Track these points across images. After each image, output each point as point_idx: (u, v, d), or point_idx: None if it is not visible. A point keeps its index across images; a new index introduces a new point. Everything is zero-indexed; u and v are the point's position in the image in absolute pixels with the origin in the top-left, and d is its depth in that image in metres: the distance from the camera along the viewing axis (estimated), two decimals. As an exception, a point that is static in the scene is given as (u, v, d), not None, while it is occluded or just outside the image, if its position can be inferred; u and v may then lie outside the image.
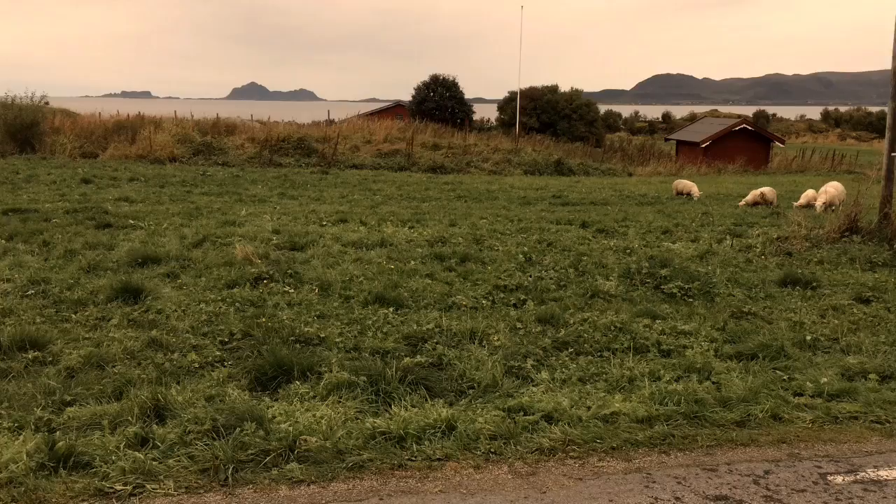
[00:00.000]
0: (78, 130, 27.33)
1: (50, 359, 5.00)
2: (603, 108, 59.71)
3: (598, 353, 5.58)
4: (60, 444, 3.52)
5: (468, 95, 49.50)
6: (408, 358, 5.16)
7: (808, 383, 4.92)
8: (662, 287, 7.49)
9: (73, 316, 6.01)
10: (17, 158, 22.38)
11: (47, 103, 28.59)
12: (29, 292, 6.60)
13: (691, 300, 7.14)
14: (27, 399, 4.29)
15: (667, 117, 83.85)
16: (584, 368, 5.22)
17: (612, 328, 6.06)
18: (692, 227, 12.12)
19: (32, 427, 3.89)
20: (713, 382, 4.95)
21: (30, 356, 4.96)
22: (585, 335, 5.89)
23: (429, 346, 5.52)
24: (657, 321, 6.34)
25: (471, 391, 4.74)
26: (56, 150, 24.78)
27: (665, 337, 5.92)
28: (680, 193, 18.66)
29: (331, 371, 4.81)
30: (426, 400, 4.52)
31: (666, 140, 44.97)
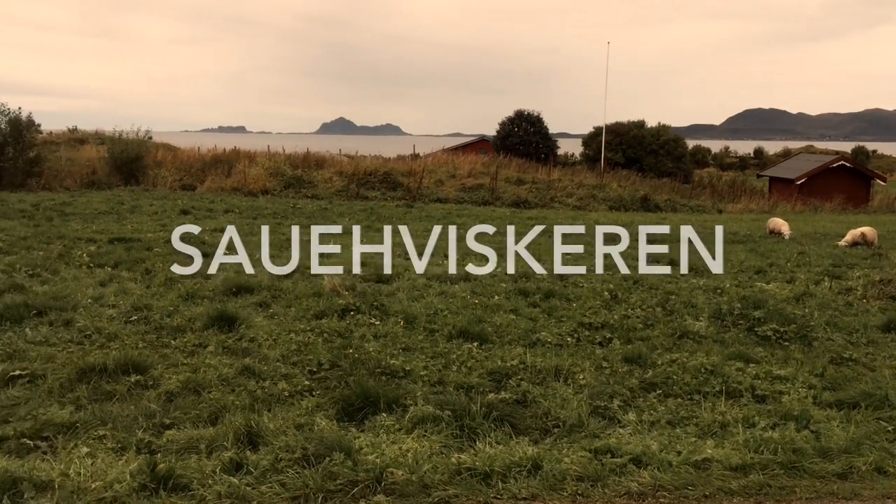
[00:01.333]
0: (178, 164, 28.72)
1: (151, 382, 5.24)
2: (691, 143, 58.61)
3: (688, 396, 5.43)
4: (161, 466, 3.68)
5: (552, 130, 49.50)
6: (492, 394, 5.16)
7: (916, 436, 4.66)
8: (756, 329, 7.25)
9: (173, 342, 6.28)
10: (122, 190, 23.66)
11: (151, 138, 30.22)
12: (132, 318, 6.94)
13: (787, 344, 6.88)
14: (130, 421, 4.50)
15: (759, 153, 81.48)
16: (674, 411, 5.09)
17: (703, 370, 5.90)
18: (787, 267, 11.70)
19: (134, 448, 4.08)
20: (812, 431, 4.74)
21: (132, 379, 5.21)
22: (674, 377, 5.75)
23: (513, 383, 5.50)
24: (750, 365, 6.13)
25: (556, 430, 4.69)
26: (158, 182, 26.08)
27: (759, 381, 5.72)
28: (773, 232, 18.03)
29: (416, 404, 4.86)
30: (511, 437, 4.51)
31: (758, 176, 43.67)
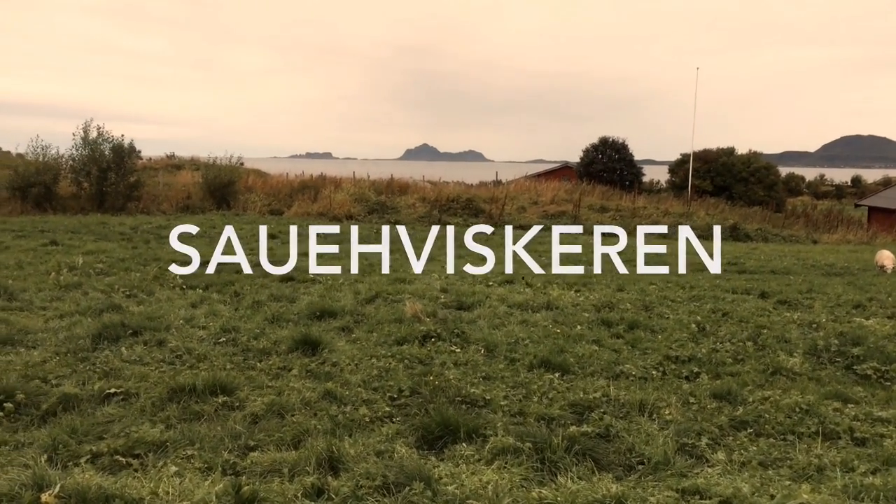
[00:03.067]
0: (267, 189, 29.66)
1: (237, 404, 5.37)
2: (784, 171, 56.66)
3: (782, 437, 5.17)
4: (245, 488, 3.75)
5: (637, 157, 48.80)
6: (574, 426, 5.05)
7: None
8: (855, 367, 6.88)
9: (258, 364, 6.43)
10: (214, 214, 24.58)
11: (242, 164, 31.35)
12: (221, 340, 7.15)
13: (889, 384, 6.48)
14: (216, 441, 4.62)
15: (856, 181, 77.97)
16: (766, 452, 4.85)
17: (797, 409, 5.62)
18: (889, 301, 11.08)
19: (220, 469, 4.17)
20: (918, 479, 4.43)
21: (220, 400, 5.36)
22: (767, 415, 5.50)
23: (596, 416, 5.37)
24: (849, 405, 5.81)
25: (640, 467, 4.55)
26: (248, 206, 26.99)
27: (859, 423, 5.40)
28: (882, 267, 16.96)
29: (496, 434, 4.81)
30: (593, 472, 4.39)
31: (856, 206, 41.78)
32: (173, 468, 4.13)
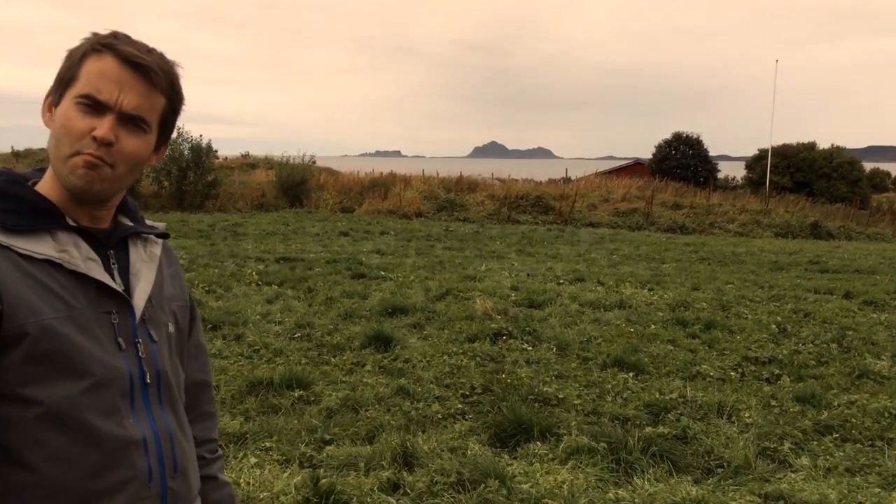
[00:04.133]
0: (339, 187, 30.11)
1: (313, 398, 5.47)
2: (868, 166, 54.34)
3: (869, 442, 4.96)
4: (323, 481, 3.81)
5: (712, 153, 47.59)
6: (649, 427, 4.96)
7: None
8: (949, 372, 6.54)
9: (333, 359, 6.54)
10: (288, 212, 25.11)
11: (314, 162, 31.90)
12: (296, 335, 7.30)
13: None
14: (293, 434, 4.71)
15: (948, 176, 74.06)
16: (853, 458, 4.67)
17: (886, 415, 5.38)
18: (985, 303, 10.49)
19: (297, 462, 4.26)
20: None
21: (296, 394, 5.46)
22: (853, 420, 5.28)
23: (672, 417, 5.26)
24: (944, 411, 5.52)
25: (719, 470, 4.43)
26: (319, 204, 27.47)
27: (953, 430, 5.14)
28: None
29: (570, 434, 4.76)
30: (671, 475, 4.30)
31: (946, 202, 39.70)
32: (253, 459, 4.23)
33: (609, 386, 5.95)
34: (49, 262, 1.26)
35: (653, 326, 8.22)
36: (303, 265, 12.19)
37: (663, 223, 26.43)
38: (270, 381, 5.62)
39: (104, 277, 1.32)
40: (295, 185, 27.71)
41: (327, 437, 4.70)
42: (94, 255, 1.33)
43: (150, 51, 1.33)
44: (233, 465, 4.17)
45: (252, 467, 4.11)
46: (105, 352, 1.28)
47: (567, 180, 37.51)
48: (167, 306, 1.45)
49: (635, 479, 4.19)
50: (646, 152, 48.71)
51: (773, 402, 5.67)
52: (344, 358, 6.57)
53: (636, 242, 19.81)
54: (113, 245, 1.39)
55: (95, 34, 1.32)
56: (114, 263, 1.37)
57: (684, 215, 27.66)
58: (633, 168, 48.24)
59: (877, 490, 4.18)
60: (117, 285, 1.34)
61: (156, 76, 1.31)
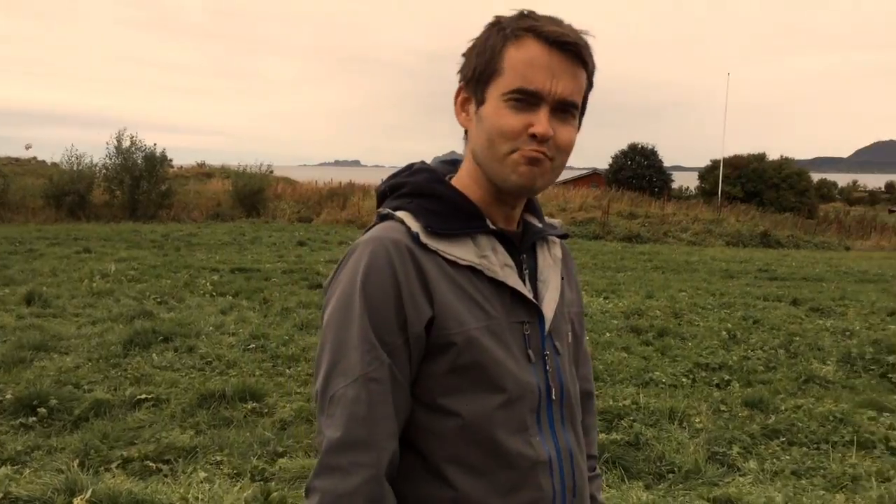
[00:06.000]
0: (296, 197, 29.89)
1: (266, 410, 5.40)
2: (816, 177, 55.84)
3: (815, 445, 5.09)
4: (274, 494, 3.77)
5: (667, 163, 48.41)
6: (603, 434, 5.01)
7: None
8: (890, 375, 6.75)
9: (287, 371, 6.47)
10: (244, 221, 24.85)
11: (272, 172, 31.63)
12: (250, 346, 7.21)
13: (927, 393, 6.34)
14: (245, 447, 4.65)
15: (891, 187, 76.64)
16: (799, 461, 4.78)
17: (831, 418, 5.51)
18: (925, 309, 10.85)
19: (249, 475, 4.20)
20: (958, 490, 4.33)
21: (249, 407, 5.39)
22: (799, 424, 5.40)
23: (625, 424, 5.32)
24: (884, 414, 5.70)
25: (670, 475, 4.50)
26: (277, 214, 27.23)
27: (895, 432, 5.29)
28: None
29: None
30: (623, 480, 4.35)
31: (890, 212, 41.09)
32: (203, 474, 4.16)
33: (563, 394, 5.99)
34: (471, 269, 1.22)
35: (608, 334, 8.31)
36: (259, 276, 12.06)
37: (620, 232, 26.79)
38: (223, 394, 5.54)
39: (518, 285, 1.25)
40: (252, 194, 27.43)
41: (280, 449, 4.65)
42: (510, 260, 1.27)
43: (567, 24, 1.21)
44: (181, 479, 4.10)
45: (201, 482, 4.04)
46: (517, 365, 1.23)
47: (525, 190, 37.70)
48: (567, 313, 1.38)
49: (588, 485, 4.22)
50: (603, 162, 49.34)
51: (722, 408, 5.78)
52: (299, 369, 6.51)
53: (593, 251, 20.04)
54: (525, 249, 1.32)
55: (502, 18, 1.23)
56: (525, 269, 1.31)
57: (640, 224, 28.08)
58: (591, 178, 48.82)
59: (821, 492, 4.28)
60: (530, 293, 1.28)
61: (585, 52, 1.20)
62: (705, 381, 6.59)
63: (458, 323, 1.18)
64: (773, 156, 45.03)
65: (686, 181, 55.00)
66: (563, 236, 1.43)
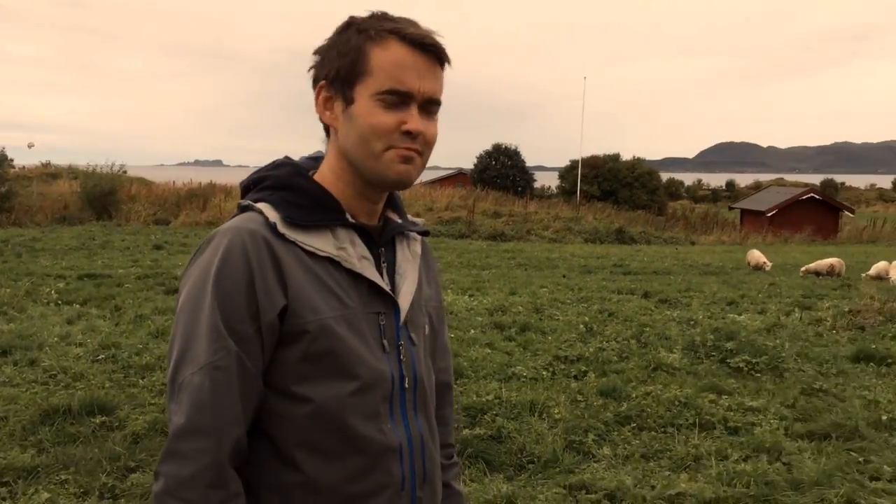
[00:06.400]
0: (152, 198, 28.53)
1: (117, 424, 5.12)
2: (665, 176, 59.40)
3: (662, 429, 5.41)
4: (124, 510, 3.59)
5: (529, 163, 49.98)
6: (467, 430, 5.11)
7: (885, 467, 4.66)
8: (728, 361, 7.28)
9: (141, 381, 6.16)
10: (94, 225, 23.41)
11: (125, 172, 30.01)
12: (99, 357, 6.80)
13: (759, 375, 6.90)
14: (93, 464, 4.38)
15: (731, 186, 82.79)
16: (648, 445, 5.07)
17: (677, 403, 5.89)
18: (759, 298, 11.81)
19: (97, 493, 3.97)
20: (784, 463, 4.74)
21: (98, 421, 5.08)
22: (649, 409, 5.74)
23: (488, 418, 5.45)
24: (723, 396, 6.14)
25: (530, 466, 4.65)
26: (131, 217, 25.85)
27: (732, 413, 5.72)
28: (756, 266, 17.95)
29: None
30: (485, 474, 4.45)
31: (730, 208, 44.33)
32: (45, 495, 3.89)
33: (428, 391, 6.05)
34: (329, 260, 1.25)
35: (472, 331, 8.48)
36: (110, 282, 11.40)
37: (485, 231, 27.40)
38: (68, 409, 5.19)
39: (376, 277, 1.30)
40: (102, 196, 25.89)
41: (132, 464, 4.41)
42: (367, 253, 1.31)
43: (424, 27, 1.27)
44: (21, 502, 3.81)
45: (44, 503, 3.78)
46: (372, 354, 1.26)
47: (392, 190, 37.78)
48: (425, 307, 1.42)
49: (451, 481, 4.29)
50: (468, 162, 50.32)
51: (579, 398, 6.03)
52: (154, 379, 6.21)
53: (459, 250, 20.38)
54: (384, 243, 1.36)
55: (357, 19, 1.27)
56: (383, 262, 1.35)
57: (504, 223, 28.85)
58: (457, 178, 49.60)
59: (667, 473, 4.57)
60: (386, 285, 1.31)
61: (444, 54, 1.27)
62: (564, 373, 6.86)
63: (313, 311, 1.20)
64: (626, 156, 47.60)
65: (548, 181, 57.03)
66: (424, 233, 1.50)
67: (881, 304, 9.79)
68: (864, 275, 15.42)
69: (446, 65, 1.30)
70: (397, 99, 1.23)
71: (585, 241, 27.34)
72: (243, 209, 1.28)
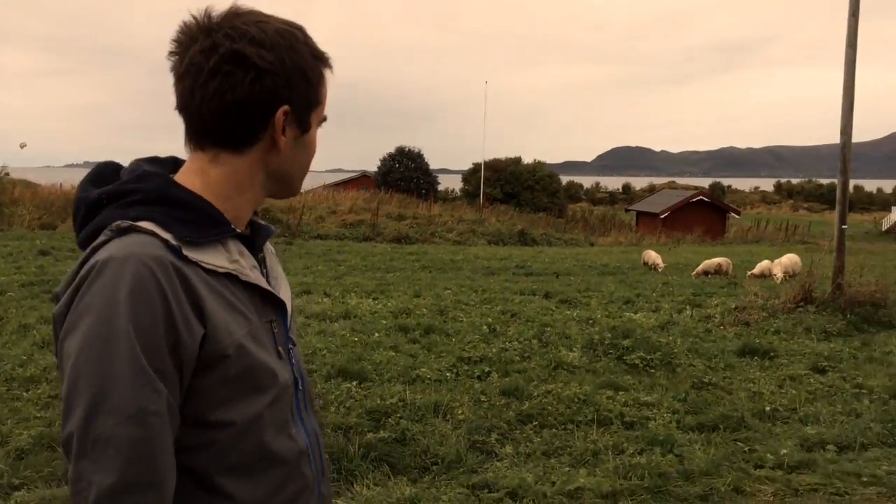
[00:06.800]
0: (38, 201, 27.00)
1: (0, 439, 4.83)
2: (565, 180, 61.00)
3: (563, 426, 5.56)
4: (7, 531, 3.39)
5: (433, 166, 50.30)
6: (371, 433, 5.09)
7: (768, 455, 4.96)
8: (625, 358, 7.55)
9: (25, 394, 5.83)
10: (-27, 230, 21.96)
11: (7, 174, 28.29)
12: (-21, 369, 6.40)
13: (653, 371, 7.20)
14: (-27, 483, 4.13)
15: (627, 188, 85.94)
16: (549, 442, 5.20)
17: (576, 400, 6.06)
18: (653, 297, 12.30)
19: (-23, 513, 3.74)
20: (676, 455, 4.95)
21: (-22, 437, 4.79)
22: (549, 407, 5.88)
23: (392, 421, 5.44)
24: (620, 393, 6.37)
25: (434, 467, 4.68)
26: (14, 221, 24.39)
27: (628, 408, 5.94)
28: (650, 266, 18.70)
29: (292, 448, 4.72)
30: (389, 477, 4.45)
31: (626, 211, 46.02)
32: (-82, 519, 3.64)
33: (333, 396, 6.00)
34: (226, 275, 1.20)
35: (377, 334, 8.45)
36: (-9, 290, 10.73)
37: (389, 234, 27.36)
38: (-57, 427, 4.86)
39: (268, 286, 1.28)
40: (-19, 199, 24.34)
41: (16, 481, 4.18)
42: (255, 262, 1.28)
43: None
44: None
45: (-84, 528, 3.52)
46: (276, 363, 1.24)
47: (295, 192, 37.21)
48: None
49: (355, 485, 4.27)
50: (372, 165, 50.22)
51: (482, 398, 6.12)
52: (39, 391, 5.89)
53: (363, 253, 20.28)
54: (259, 249, 1.34)
55: (299, 33, 1.24)
56: (264, 268, 1.33)
57: (408, 226, 28.89)
58: (360, 180, 49.39)
59: (567, 469, 4.70)
60: (276, 293, 1.30)
61: None
62: (468, 373, 6.94)
63: (229, 334, 1.15)
64: (527, 159, 48.63)
65: (451, 183, 57.55)
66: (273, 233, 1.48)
67: (764, 301, 10.38)
68: (748, 273, 16.31)
69: None
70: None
71: (488, 243, 27.73)
72: (124, 230, 1.13)
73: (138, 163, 1.28)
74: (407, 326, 8.91)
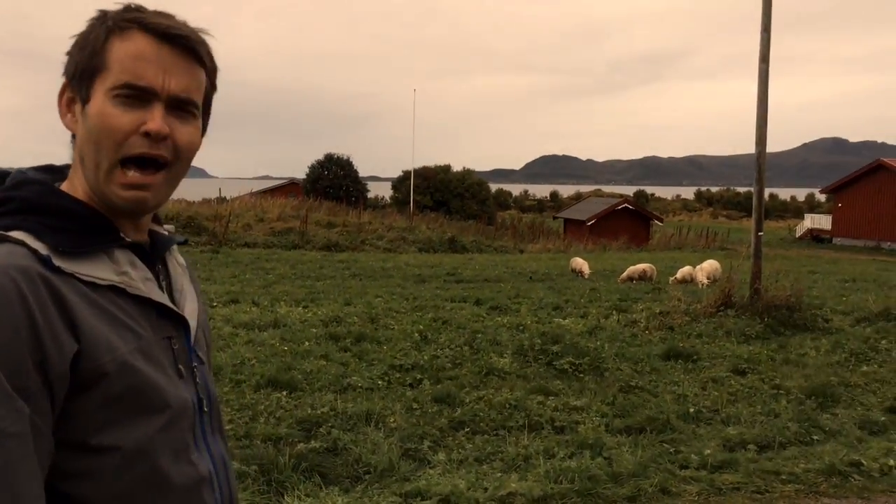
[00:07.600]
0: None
1: None
2: (494, 187, 61.67)
3: (494, 432, 5.60)
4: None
5: (363, 174, 50.11)
6: (301, 444, 5.02)
7: (693, 455, 5.11)
8: (554, 363, 7.66)
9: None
10: None
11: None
12: None
13: (582, 375, 7.33)
14: None
15: (554, 196, 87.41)
16: (481, 448, 5.22)
17: (507, 406, 6.12)
18: (581, 302, 12.53)
19: None
20: (605, 458, 5.05)
21: None
22: (481, 413, 5.92)
23: (323, 431, 5.38)
24: (550, 397, 6.46)
25: (367, 476, 4.64)
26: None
27: (558, 413, 6.03)
28: (577, 272, 19.07)
29: (220, 461, 4.61)
30: (321, 488, 4.39)
31: (554, 218, 46.86)
32: None
33: (262, 407, 5.89)
34: (111, 288, 1.11)
35: (307, 343, 8.34)
36: None
37: (318, 241, 27.09)
38: None
39: (164, 299, 1.18)
40: None
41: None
42: (149, 274, 1.19)
43: (180, 19, 1.14)
44: None
45: None
46: (172, 383, 1.15)
47: (222, 200, 36.55)
48: (201, 323, 1.31)
49: (286, 497, 4.20)
50: (301, 172, 49.63)
51: (415, 406, 6.11)
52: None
53: (292, 261, 20.02)
54: (157, 260, 1.24)
55: (106, 11, 1.11)
56: (163, 281, 1.23)
57: (338, 234, 28.68)
58: (289, 188, 48.77)
59: (499, 475, 4.73)
60: (175, 307, 1.21)
61: (200, 47, 1.14)
62: (399, 381, 6.92)
63: (109, 350, 1.06)
64: (457, 167, 48.95)
65: (381, 191, 57.43)
66: (183, 242, 1.38)
67: (687, 306, 10.70)
68: (671, 279, 16.80)
69: (209, 65, 1.18)
70: (136, 95, 1.09)
71: (419, 251, 27.77)
72: None
73: (23, 171, 1.19)
74: (338, 335, 8.83)
